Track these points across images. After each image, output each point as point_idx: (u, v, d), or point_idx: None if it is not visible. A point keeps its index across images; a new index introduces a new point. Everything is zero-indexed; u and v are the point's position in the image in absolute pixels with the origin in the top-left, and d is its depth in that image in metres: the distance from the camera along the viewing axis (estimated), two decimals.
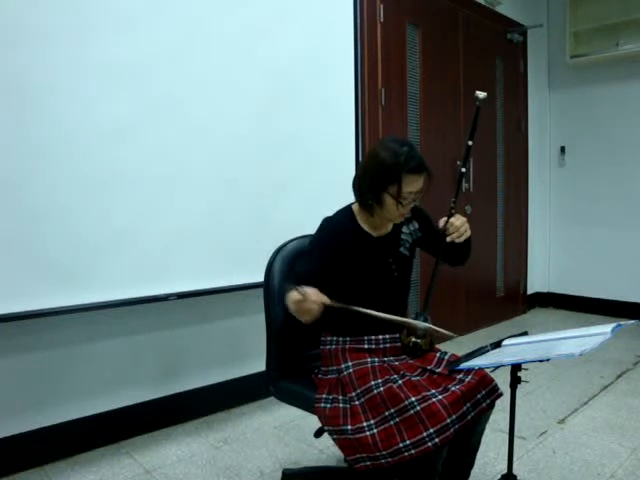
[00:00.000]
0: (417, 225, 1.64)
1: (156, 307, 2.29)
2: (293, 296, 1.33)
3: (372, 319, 1.40)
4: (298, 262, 1.54)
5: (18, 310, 1.82)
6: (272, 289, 1.68)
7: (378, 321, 1.42)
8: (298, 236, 1.78)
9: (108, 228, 2.01)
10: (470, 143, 1.58)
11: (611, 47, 4.04)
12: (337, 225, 1.53)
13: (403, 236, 1.61)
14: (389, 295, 1.57)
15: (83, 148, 1.94)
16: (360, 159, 2.84)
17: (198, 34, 2.22)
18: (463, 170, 1.62)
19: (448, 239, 1.51)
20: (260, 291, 1.73)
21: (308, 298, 1.31)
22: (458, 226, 1.51)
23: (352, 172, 2.71)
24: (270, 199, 2.50)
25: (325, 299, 1.35)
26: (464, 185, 3.76)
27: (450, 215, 1.53)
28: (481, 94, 1.55)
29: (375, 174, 1.46)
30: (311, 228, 1.59)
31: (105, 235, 2.00)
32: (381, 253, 1.56)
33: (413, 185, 1.44)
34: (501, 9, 4.14)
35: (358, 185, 1.53)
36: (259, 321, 1.78)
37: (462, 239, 1.52)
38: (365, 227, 1.56)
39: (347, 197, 1.60)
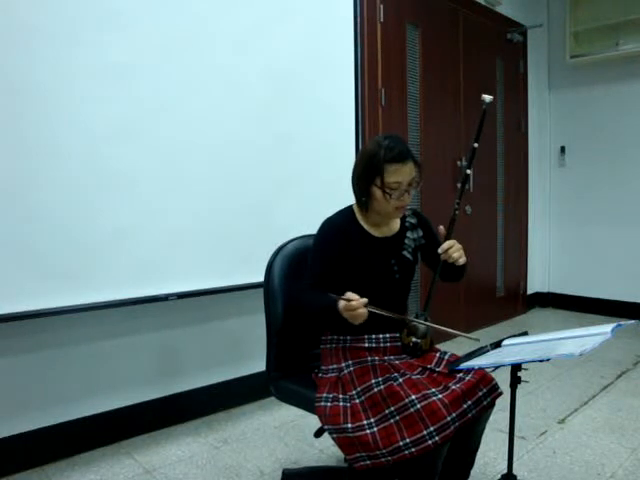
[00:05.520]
0: (421, 233, 1.65)
1: (156, 307, 2.29)
2: (344, 304, 1.33)
3: (373, 318, 1.39)
4: (306, 266, 1.55)
5: (18, 310, 1.82)
6: (272, 289, 1.68)
7: (379, 320, 1.42)
8: (298, 236, 1.78)
9: (108, 228, 2.01)
10: (476, 145, 1.57)
11: (611, 47, 4.04)
12: (338, 224, 1.54)
13: (407, 241, 1.61)
14: (389, 296, 1.57)
15: (83, 148, 1.94)
16: None
17: (198, 35, 2.22)
18: (468, 172, 1.61)
19: (442, 257, 1.50)
20: (260, 291, 1.72)
21: (358, 303, 1.31)
22: (452, 252, 1.49)
23: None
24: (270, 199, 2.50)
25: (364, 300, 1.34)
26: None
27: (448, 235, 1.52)
28: (487, 97, 1.54)
29: (361, 169, 1.50)
30: (311, 228, 1.60)
31: (105, 235, 2.00)
32: (383, 253, 1.56)
33: (397, 174, 1.44)
34: (501, 9, 4.14)
35: (352, 183, 1.55)
36: (259, 321, 1.78)
37: (461, 262, 1.51)
38: (366, 226, 1.56)
39: (347, 197, 1.61)
